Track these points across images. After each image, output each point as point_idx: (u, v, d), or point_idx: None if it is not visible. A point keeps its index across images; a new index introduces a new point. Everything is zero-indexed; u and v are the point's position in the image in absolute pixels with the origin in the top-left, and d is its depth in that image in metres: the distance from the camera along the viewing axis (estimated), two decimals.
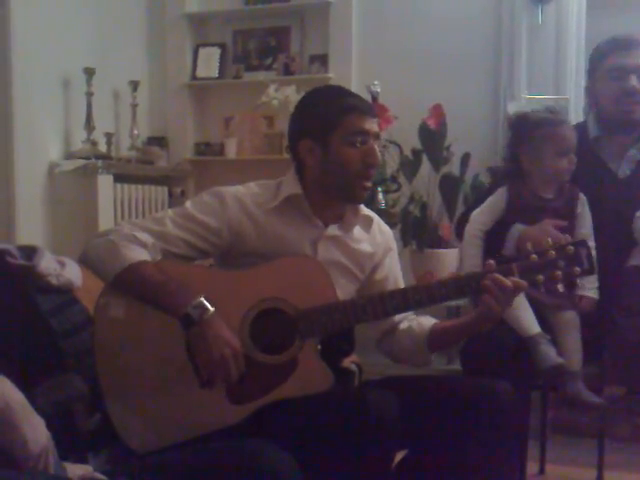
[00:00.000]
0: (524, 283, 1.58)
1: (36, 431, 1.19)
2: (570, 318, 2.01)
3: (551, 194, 2.09)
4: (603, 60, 2.20)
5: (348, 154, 1.66)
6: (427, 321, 1.78)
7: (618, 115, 2.19)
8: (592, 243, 1.90)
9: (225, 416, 1.55)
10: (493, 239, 2.08)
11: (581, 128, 2.27)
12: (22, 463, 1.16)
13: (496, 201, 2.11)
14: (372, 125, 1.68)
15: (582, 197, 2.10)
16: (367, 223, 1.80)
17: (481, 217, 2.11)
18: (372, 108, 1.73)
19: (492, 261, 1.60)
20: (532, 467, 2.51)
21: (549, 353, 1.93)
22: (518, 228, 2.05)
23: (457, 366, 2.29)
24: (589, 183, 2.13)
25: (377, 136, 1.70)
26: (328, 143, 1.67)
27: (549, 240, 1.61)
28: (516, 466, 2.00)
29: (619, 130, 2.22)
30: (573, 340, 2.00)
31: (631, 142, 2.22)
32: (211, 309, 1.53)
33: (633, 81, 2.14)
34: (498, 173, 2.69)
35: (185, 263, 1.68)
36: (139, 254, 1.60)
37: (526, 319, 1.96)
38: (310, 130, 1.69)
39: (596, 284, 2.06)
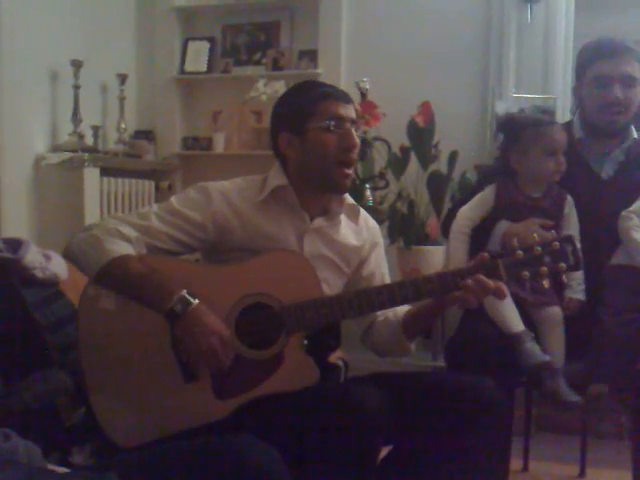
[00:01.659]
0: (505, 289, 1.59)
1: None
2: (554, 315, 2.02)
3: (539, 194, 2.10)
4: (589, 66, 2.18)
5: (325, 139, 1.66)
6: (401, 309, 1.78)
7: (601, 124, 2.19)
8: (578, 244, 1.91)
9: (211, 411, 1.55)
10: (479, 235, 2.09)
11: (566, 128, 2.27)
12: None
13: (484, 198, 2.12)
14: (347, 110, 1.69)
15: (569, 199, 2.11)
16: (354, 213, 1.80)
17: (469, 213, 2.12)
18: (346, 95, 1.73)
19: (486, 253, 1.61)
20: (516, 463, 2.53)
21: (534, 351, 1.94)
22: (503, 225, 2.06)
23: (442, 362, 2.30)
24: (573, 184, 2.14)
25: (353, 121, 1.70)
26: (305, 132, 1.68)
27: (535, 236, 1.62)
28: (500, 462, 2.01)
29: (602, 135, 2.22)
30: (556, 337, 2.02)
31: (615, 144, 2.22)
32: (194, 301, 1.53)
33: (617, 91, 2.13)
34: (485, 171, 2.70)
35: (170, 258, 1.68)
36: (123, 248, 1.60)
37: (510, 317, 1.97)
38: (286, 123, 1.71)
39: (583, 286, 2.08)
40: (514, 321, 1.97)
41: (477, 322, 1.96)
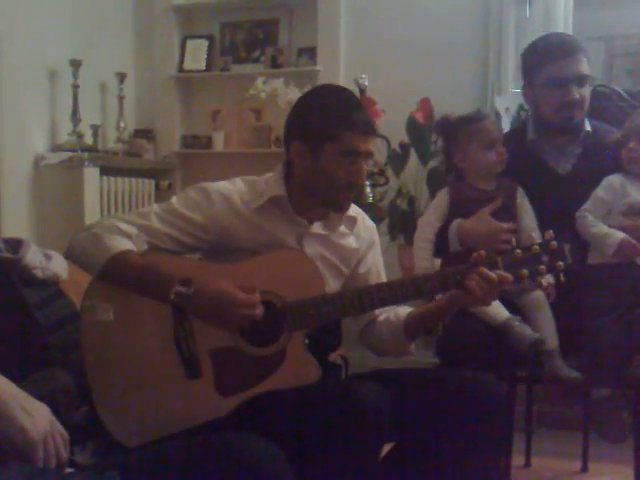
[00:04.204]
0: (509, 276, 1.60)
1: (35, 418, 1.18)
2: (537, 297, 2.02)
3: (490, 187, 2.13)
4: (541, 67, 2.16)
5: (335, 168, 1.66)
6: (403, 310, 1.80)
7: (559, 123, 2.19)
8: (537, 233, 1.93)
9: (213, 408, 1.56)
10: (441, 240, 2.11)
11: (520, 128, 2.31)
12: (24, 451, 1.16)
13: (438, 202, 2.15)
14: (367, 145, 1.67)
15: (520, 189, 2.13)
16: (351, 223, 1.81)
17: (426, 220, 2.15)
18: (371, 126, 1.69)
19: (482, 251, 1.62)
20: (518, 459, 2.53)
21: (525, 331, 1.94)
22: (455, 222, 2.08)
23: None
24: (531, 183, 2.14)
25: (369, 154, 1.69)
26: (319, 152, 1.66)
27: (533, 236, 1.63)
28: (502, 458, 2.02)
29: (559, 133, 2.22)
30: (545, 318, 2.02)
31: (570, 139, 2.22)
32: (192, 288, 1.53)
33: (573, 91, 2.13)
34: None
35: (174, 256, 1.68)
36: (123, 244, 1.60)
37: (493, 307, 1.96)
38: (305, 134, 1.68)
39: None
40: (498, 310, 1.97)
41: (466, 318, 1.96)
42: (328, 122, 1.65)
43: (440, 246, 2.10)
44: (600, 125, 2.29)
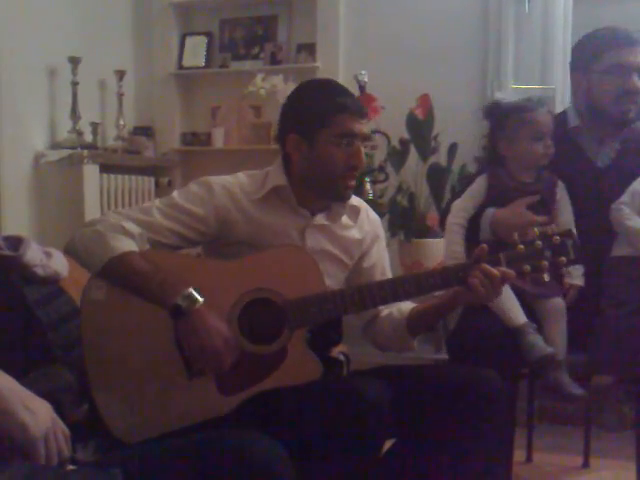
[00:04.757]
0: (512, 272, 1.59)
1: (36, 415, 1.17)
2: (556, 306, 2.02)
3: (530, 179, 2.11)
4: (602, 54, 2.14)
5: (332, 154, 1.66)
6: (406, 306, 1.79)
7: (615, 113, 2.16)
8: (573, 228, 1.92)
9: (214, 406, 1.55)
10: (473, 226, 2.09)
11: (561, 118, 2.27)
12: (25, 449, 1.15)
13: (476, 188, 2.12)
14: (361, 127, 1.67)
15: (561, 184, 2.11)
16: (354, 213, 1.80)
17: (462, 205, 2.12)
18: (363, 109, 1.71)
19: (484, 245, 1.62)
20: (519, 455, 2.52)
21: (538, 343, 1.93)
22: (490, 211, 2.06)
23: (445, 355, 2.30)
24: (569, 172, 2.13)
25: (366, 138, 1.70)
26: (315, 140, 1.67)
27: (536, 230, 1.62)
28: (503, 454, 2.02)
29: (605, 124, 2.20)
30: (559, 329, 2.01)
31: (612, 132, 2.21)
32: (200, 299, 1.53)
33: (635, 80, 2.11)
34: (482, 162, 2.69)
35: (173, 253, 1.68)
36: (127, 244, 1.60)
37: (512, 309, 1.97)
38: (298, 125, 1.69)
39: (582, 271, 2.08)
40: (516, 313, 1.96)
41: (479, 315, 1.96)
42: (319, 109, 1.66)
43: (470, 233, 2.07)
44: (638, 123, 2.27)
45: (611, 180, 2.17)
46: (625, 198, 2.08)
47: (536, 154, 2.06)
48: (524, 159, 2.08)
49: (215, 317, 1.54)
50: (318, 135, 1.66)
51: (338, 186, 1.69)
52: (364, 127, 1.68)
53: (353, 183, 1.71)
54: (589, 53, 2.19)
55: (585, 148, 2.22)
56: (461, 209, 2.11)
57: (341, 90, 1.73)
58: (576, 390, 1.96)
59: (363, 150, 1.69)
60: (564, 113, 2.32)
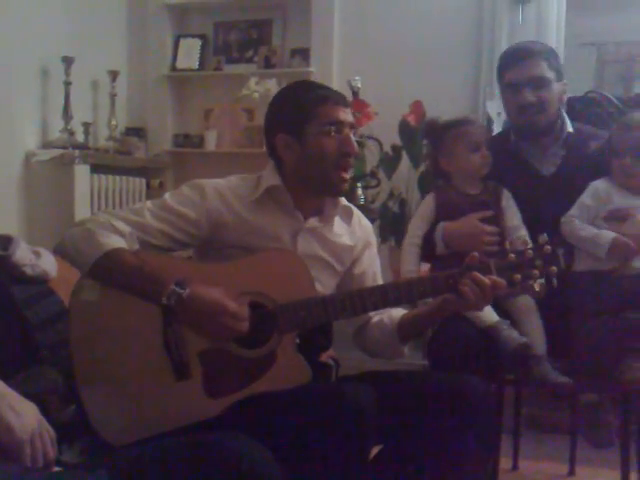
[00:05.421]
0: (502, 282, 1.60)
1: (22, 417, 1.17)
2: (526, 302, 2.04)
3: (476, 190, 2.15)
4: (501, 77, 2.24)
5: (324, 144, 1.67)
6: (397, 312, 1.80)
7: (523, 126, 2.23)
8: (525, 232, 2.01)
9: (202, 410, 1.55)
10: (428, 244, 2.12)
11: (504, 134, 2.36)
12: (11, 450, 1.15)
13: (425, 207, 2.17)
14: (346, 115, 1.69)
15: (505, 192, 2.15)
16: (347, 214, 1.81)
17: (414, 225, 2.17)
18: (344, 98, 1.74)
19: (475, 253, 1.62)
20: (506, 463, 2.53)
21: (512, 335, 1.95)
22: (441, 225, 2.10)
23: None
24: (517, 184, 2.17)
25: (352, 126, 1.71)
26: (304, 135, 1.67)
27: (527, 240, 1.64)
28: (489, 461, 2.02)
29: (529, 136, 2.25)
30: (533, 323, 2.03)
31: (551, 141, 2.25)
32: (186, 290, 1.52)
33: (527, 94, 2.16)
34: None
35: (163, 255, 1.67)
36: (116, 242, 1.59)
37: (483, 311, 1.98)
38: (285, 124, 1.70)
39: None
40: (487, 313, 1.98)
41: (457, 320, 1.97)
42: (301, 104, 1.68)
43: (428, 250, 2.12)
44: (584, 128, 2.31)
45: (557, 188, 2.20)
46: (573, 211, 2.10)
47: (475, 164, 2.11)
48: (465, 171, 2.13)
49: (207, 291, 1.54)
50: (306, 129, 1.67)
51: (333, 178, 1.69)
52: (348, 115, 1.70)
53: (347, 175, 1.71)
54: (497, 73, 2.30)
55: (529, 159, 2.26)
56: (414, 228, 2.16)
57: (318, 84, 1.77)
58: (561, 378, 1.98)
59: (353, 137, 1.70)
60: (506, 130, 2.39)
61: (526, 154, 2.26)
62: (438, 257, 2.09)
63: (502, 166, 2.16)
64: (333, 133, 1.67)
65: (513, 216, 2.12)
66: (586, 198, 2.11)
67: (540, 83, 2.18)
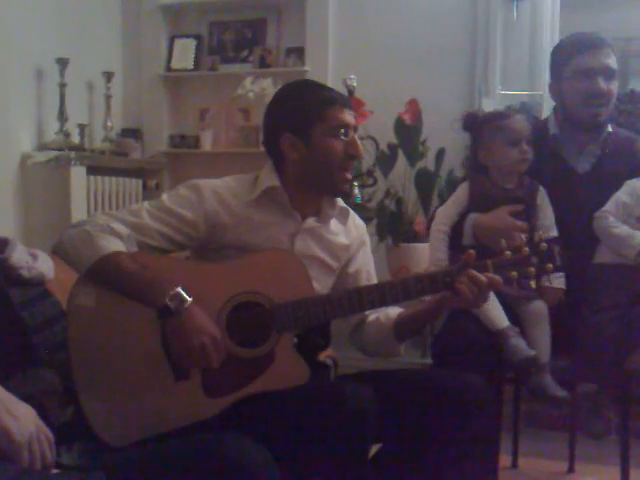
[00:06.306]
0: (498, 279, 1.60)
1: (20, 421, 1.16)
2: (538, 309, 2.03)
3: (511, 184, 2.12)
4: (569, 61, 2.19)
5: (332, 146, 1.68)
6: (393, 311, 1.80)
7: (585, 117, 2.19)
8: (555, 233, 1.98)
9: (201, 409, 1.55)
10: (456, 233, 2.10)
11: (542, 125, 2.30)
12: (9, 454, 1.14)
13: (459, 195, 2.15)
14: (351, 118, 1.71)
15: (542, 189, 2.14)
16: (344, 215, 1.82)
17: (445, 212, 2.14)
18: (349, 101, 1.76)
19: (472, 250, 1.63)
20: (505, 460, 2.53)
21: (520, 346, 1.95)
22: (472, 216, 2.08)
23: (430, 360, 2.30)
24: (550, 178, 2.15)
25: (355, 129, 1.73)
26: (310, 136, 1.68)
27: (523, 237, 1.63)
28: (489, 459, 2.02)
29: (582, 130, 2.23)
30: (542, 332, 2.03)
31: (590, 139, 2.23)
32: (189, 299, 1.52)
33: (600, 82, 2.14)
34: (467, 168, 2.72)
35: (161, 256, 1.67)
36: (115, 244, 1.59)
37: (494, 313, 1.98)
38: (291, 124, 1.70)
39: (562, 273, 2.09)
40: (498, 317, 1.98)
41: (463, 319, 1.97)
42: (310, 105, 1.69)
43: (454, 239, 2.09)
44: (621, 129, 2.31)
45: (590, 186, 2.19)
46: (609, 207, 2.10)
47: (513, 159, 2.08)
48: (502, 165, 2.10)
49: (203, 316, 1.53)
50: (313, 130, 1.68)
51: (336, 178, 1.70)
52: (353, 118, 1.72)
53: (349, 176, 1.72)
54: (559, 61, 2.24)
55: (565, 155, 2.25)
56: (445, 216, 2.13)
57: (324, 86, 1.78)
58: (560, 392, 1.98)
59: (359, 141, 1.71)
60: (545, 121, 2.35)
61: (563, 149, 2.24)
62: (462, 247, 2.07)
63: (537, 160, 2.12)
64: (342, 136, 1.68)
65: (546, 215, 2.11)
66: (623, 195, 2.10)
67: (611, 74, 2.16)
